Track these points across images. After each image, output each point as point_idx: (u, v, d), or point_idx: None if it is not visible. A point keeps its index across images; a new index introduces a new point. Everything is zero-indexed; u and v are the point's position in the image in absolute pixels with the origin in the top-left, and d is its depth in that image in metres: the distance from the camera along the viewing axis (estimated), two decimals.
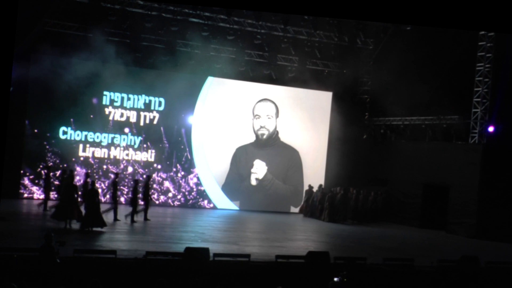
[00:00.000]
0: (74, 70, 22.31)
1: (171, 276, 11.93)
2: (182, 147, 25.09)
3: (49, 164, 22.23)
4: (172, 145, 24.93)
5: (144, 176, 22.33)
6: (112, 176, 21.13)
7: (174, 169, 24.94)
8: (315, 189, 25.49)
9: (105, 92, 23.78)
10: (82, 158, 23.48)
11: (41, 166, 22.79)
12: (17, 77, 20.29)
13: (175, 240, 16.57)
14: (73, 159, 23.35)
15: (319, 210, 24.39)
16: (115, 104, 24.03)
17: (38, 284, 10.68)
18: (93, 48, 22.06)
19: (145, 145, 24.49)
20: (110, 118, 23.99)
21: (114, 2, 22.77)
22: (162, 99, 24.64)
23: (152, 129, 24.58)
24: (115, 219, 18.89)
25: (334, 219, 23.43)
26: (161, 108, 24.69)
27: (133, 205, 19.22)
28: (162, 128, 24.73)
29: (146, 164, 24.51)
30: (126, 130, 24.15)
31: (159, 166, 24.69)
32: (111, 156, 24.03)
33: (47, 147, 22.93)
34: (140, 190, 19.76)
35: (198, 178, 25.31)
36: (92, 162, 23.69)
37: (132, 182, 21.14)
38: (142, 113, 24.46)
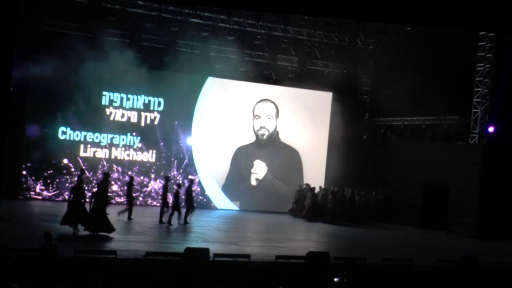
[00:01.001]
0: (74, 70, 22.31)
1: (171, 276, 11.93)
2: (182, 147, 25.09)
3: (83, 167, 22.18)
4: (172, 146, 24.92)
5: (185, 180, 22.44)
6: (163, 181, 21.13)
7: (174, 170, 24.92)
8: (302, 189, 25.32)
9: (104, 92, 23.77)
10: (64, 160, 23.42)
11: (40, 167, 22.83)
12: (17, 77, 20.27)
13: (175, 240, 16.58)
14: (74, 159, 23.36)
15: (306, 209, 24.14)
16: (114, 104, 24.01)
17: (39, 284, 10.68)
18: (93, 48, 22.06)
19: (144, 146, 24.48)
20: (111, 118, 23.99)
21: (114, 2, 22.76)
22: (161, 100, 24.64)
23: (152, 130, 24.58)
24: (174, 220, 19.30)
25: (334, 220, 23.31)
26: (161, 109, 24.68)
27: (176, 209, 19.26)
28: (162, 129, 24.73)
29: (144, 165, 24.49)
30: (127, 131, 24.17)
31: (154, 168, 24.67)
32: (112, 157, 24.05)
33: (47, 147, 22.89)
34: (182, 194, 19.78)
35: (198, 179, 25.29)
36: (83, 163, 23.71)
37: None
38: (143, 114, 24.46)
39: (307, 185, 25.22)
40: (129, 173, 22.83)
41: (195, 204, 20.33)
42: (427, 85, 23.65)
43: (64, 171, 23.15)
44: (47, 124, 22.86)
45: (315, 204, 24.09)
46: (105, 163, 23.79)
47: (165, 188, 19.93)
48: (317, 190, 24.89)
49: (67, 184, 22.70)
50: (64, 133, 23.24)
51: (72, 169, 23.21)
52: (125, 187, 21.48)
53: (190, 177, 22.68)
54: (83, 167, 21.72)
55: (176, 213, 19.31)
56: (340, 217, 23.48)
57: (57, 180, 23.06)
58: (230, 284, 11.68)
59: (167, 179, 20.55)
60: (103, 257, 12.61)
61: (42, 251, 11.71)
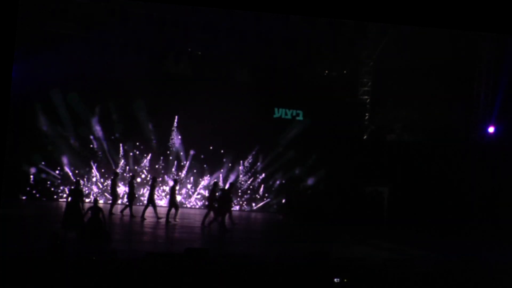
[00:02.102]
0: (74, 71, 22.30)
1: (171, 276, 11.93)
2: (182, 148, 25.12)
3: (115, 170, 22.27)
4: (172, 146, 24.95)
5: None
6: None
7: (173, 170, 24.95)
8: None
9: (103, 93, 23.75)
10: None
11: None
12: (17, 77, 20.23)
13: (175, 240, 16.57)
14: (74, 159, 23.39)
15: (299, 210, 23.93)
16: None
17: (39, 284, 10.69)
18: (94, 49, 22.06)
19: (145, 147, 24.51)
20: (113, 119, 24.03)
21: (114, 3, 22.75)
22: (162, 100, 24.62)
23: (154, 131, 24.63)
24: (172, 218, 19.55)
25: (331, 221, 23.09)
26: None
27: (221, 214, 19.20)
28: (162, 130, 24.77)
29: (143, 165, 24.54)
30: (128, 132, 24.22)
31: (158, 168, 24.74)
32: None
33: (47, 147, 22.93)
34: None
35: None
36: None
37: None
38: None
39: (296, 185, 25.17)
40: (175, 177, 22.82)
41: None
42: (427, 85, 23.65)
43: (65, 172, 23.18)
44: (47, 124, 22.87)
45: (290, 202, 23.89)
46: (93, 166, 23.65)
47: (213, 193, 19.83)
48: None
49: (68, 185, 22.75)
50: (63, 133, 23.25)
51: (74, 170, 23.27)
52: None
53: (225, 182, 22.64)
54: (134, 174, 21.86)
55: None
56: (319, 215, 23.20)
57: (60, 180, 23.11)
58: (230, 285, 11.68)
59: (215, 184, 20.32)
60: (104, 258, 12.58)
61: (48, 251, 11.67)
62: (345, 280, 11.34)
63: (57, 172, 23.14)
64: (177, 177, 22.99)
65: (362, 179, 26.06)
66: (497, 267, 15.03)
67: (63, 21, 22.65)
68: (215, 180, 21.84)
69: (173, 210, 19.73)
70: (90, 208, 15.73)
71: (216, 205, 19.22)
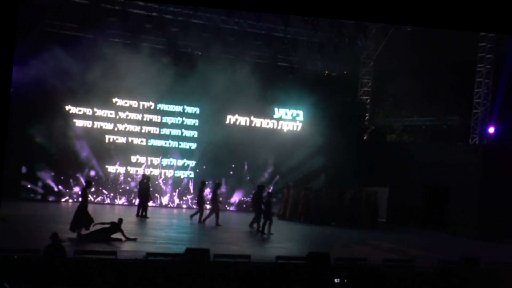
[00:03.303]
0: (74, 71, 22.30)
1: (172, 277, 11.93)
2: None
3: (145, 173, 22.45)
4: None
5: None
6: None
7: (174, 169, 25.00)
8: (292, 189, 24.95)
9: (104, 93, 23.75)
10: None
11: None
12: (18, 78, 20.27)
13: (175, 241, 16.56)
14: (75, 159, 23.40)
15: (298, 210, 23.89)
16: (118, 104, 24.04)
17: (38, 284, 10.69)
18: (94, 49, 22.07)
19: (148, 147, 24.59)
20: (116, 121, 24.07)
21: (115, 3, 22.78)
22: (160, 101, 24.62)
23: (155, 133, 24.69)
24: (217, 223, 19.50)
25: (328, 221, 23.06)
26: (153, 108, 24.68)
27: (269, 218, 19.06)
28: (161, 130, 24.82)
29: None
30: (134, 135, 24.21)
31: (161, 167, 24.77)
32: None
33: (47, 147, 22.92)
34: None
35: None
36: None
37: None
38: (146, 116, 24.49)
39: (292, 185, 25.02)
40: (217, 180, 22.78)
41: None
42: (428, 85, 23.68)
43: (68, 173, 23.20)
44: (47, 125, 22.86)
45: (286, 203, 23.84)
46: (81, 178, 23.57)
47: (258, 196, 19.69)
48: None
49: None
50: (64, 134, 23.24)
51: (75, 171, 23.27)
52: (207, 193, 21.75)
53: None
54: (148, 176, 21.77)
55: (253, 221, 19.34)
56: (330, 219, 23.18)
57: (60, 180, 23.15)
58: (231, 285, 11.69)
59: (260, 188, 20.07)
60: (104, 258, 12.60)
61: (48, 251, 11.68)
62: (345, 280, 11.33)
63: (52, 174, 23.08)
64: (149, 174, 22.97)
65: (362, 179, 26.09)
66: (497, 267, 15.04)
67: (63, 21, 22.70)
68: (259, 184, 21.53)
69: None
70: (112, 223, 15.28)
71: (263, 208, 19.04)
